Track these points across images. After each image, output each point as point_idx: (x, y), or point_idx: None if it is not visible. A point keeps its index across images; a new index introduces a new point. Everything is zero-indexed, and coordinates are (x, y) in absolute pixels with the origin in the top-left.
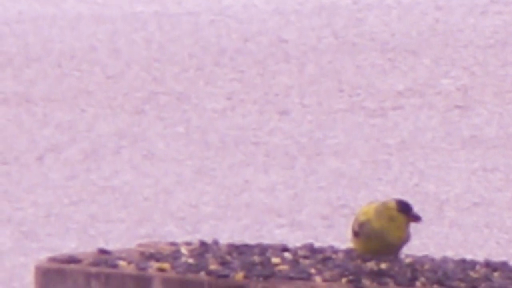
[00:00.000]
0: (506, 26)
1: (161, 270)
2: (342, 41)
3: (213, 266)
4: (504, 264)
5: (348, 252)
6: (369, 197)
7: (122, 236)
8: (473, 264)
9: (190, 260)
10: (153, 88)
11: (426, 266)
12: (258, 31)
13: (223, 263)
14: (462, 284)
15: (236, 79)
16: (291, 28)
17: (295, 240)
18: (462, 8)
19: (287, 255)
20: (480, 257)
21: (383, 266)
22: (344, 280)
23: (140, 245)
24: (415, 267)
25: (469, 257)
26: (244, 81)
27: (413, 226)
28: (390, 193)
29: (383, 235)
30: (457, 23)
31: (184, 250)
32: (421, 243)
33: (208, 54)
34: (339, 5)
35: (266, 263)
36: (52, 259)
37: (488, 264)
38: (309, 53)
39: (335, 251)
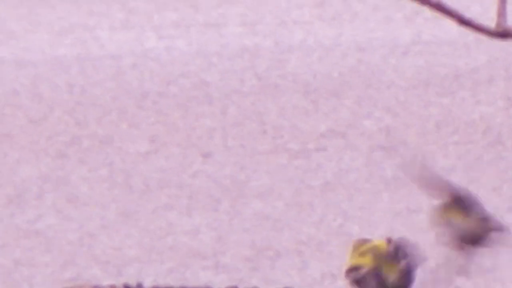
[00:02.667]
0: (428, 66)
1: None
2: (264, 83)
3: None
4: None
5: None
6: (294, 239)
7: (46, 280)
8: None
9: None
10: (76, 132)
11: None
12: (181, 74)
13: None
14: None
15: (159, 121)
16: (213, 70)
17: (220, 283)
18: (383, 48)
19: None
20: None
21: None
22: None
23: None
24: None
25: None
26: (167, 123)
27: None
28: (314, 235)
29: None
30: (378, 64)
31: None
32: None
33: (131, 97)
34: (261, 47)
35: None
36: None
37: None
38: (231, 95)
39: None
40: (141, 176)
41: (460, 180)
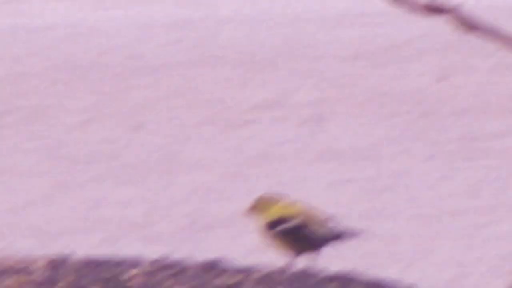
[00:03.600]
0: (360, 39)
1: (17, 283)
2: (197, 55)
3: (68, 279)
4: None
5: (204, 264)
6: (227, 210)
7: None
8: None
9: (46, 273)
10: (8, 103)
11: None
12: (114, 45)
13: (79, 276)
14: None
15: (91, 93)
16: (147, 42)
17: (152, 253)
18: (317, 20)
19: (141, 268)
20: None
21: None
22: None
23: None
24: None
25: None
26: (99, 95)
27: None
28: (245, 207)
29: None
30: (310, 37)
31: (40, 263)
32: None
33: (63, 68)
34: (193, 20)
35: (120, 276)
36: None
37: None
38: (164, 68)
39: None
40: (73, 147)
41: (392, 151)
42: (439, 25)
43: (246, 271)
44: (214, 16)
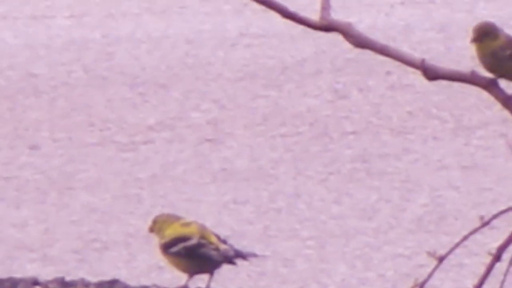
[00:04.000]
0: (256, 58)
1: None
2: (92, 75)
3: None
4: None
5: (100, 285)
6: (121, 231)
7: None
8: None
9: None
10: None
11: None
12: (8, 66)
13: None
14: None
15: None
16: (41, 62)
17: (47, 274)
18: (211, 41)
19: None
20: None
21: None
22: None
23: None
24: None
25: None
26: None
27: None
28: (142, 227)
29: None
30: (207, 56)
31: None
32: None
33: None
34: (89, 39)
35: None
36: None
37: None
38: (59, 88)
39: (87, 284)
40: None
41: (287, 171)
42: (333, 45)
43: None
44: (110, 36)
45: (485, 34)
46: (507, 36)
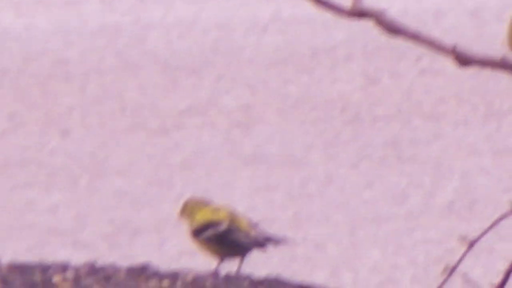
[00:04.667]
0: (287, 44)
1: None
2: (123, 60)
3: None
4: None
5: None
6: (153, 217)
7: None
8: None
9: None
10: None
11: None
12: (40, 51)
13: (5, 282)
14: None
15: (17, 99)
16: (72, 48)
17: (78, 260)
18: (243, 26)
19: (68, 274)
20: (261, 273)
21: (165, 284)
22: None
23: None
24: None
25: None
26: (25, 101)
27: None
28: (173, 212)
29: None
30: (238, 42)
31: None
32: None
33: None
34: (120, 25)
35: (47, 282)
36: None
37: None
38: (91, 73)
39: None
40: (0, 153)
41: (319, 157)
42: (365, 30)
43: (174, 276)
44: (141, 22)
45: None
46: None
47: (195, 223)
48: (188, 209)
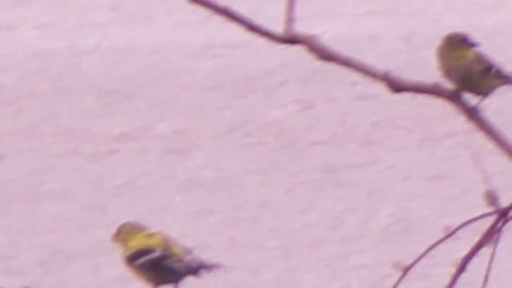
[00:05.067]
0: (221, 69)
1: None
2: (58, 86)
3: None
4: None
5: None
6: (87, 242)
7: None
8: None
9: None
10: None
11: None
12: None
13: None
14: None
15: None
16: (6, 73)
17: (13, 285)
18: (177, 51)
19: None
20: None
21: None
22: None
23: None
24: None
25: None
26: None
27: None
28: (107, 238)
29: None
30: (172, 67)
31: None
32: None
33: None
34: (55, 50)
35: None
36: None
37: None
38: (25, 98)
39: None
40: None
41: (253, 182)
42: (300, 56)
43: None
44: (77, 46)
45: (458, 44)
46: (477, 51)
47: (129, 249)
48: (122, 235)
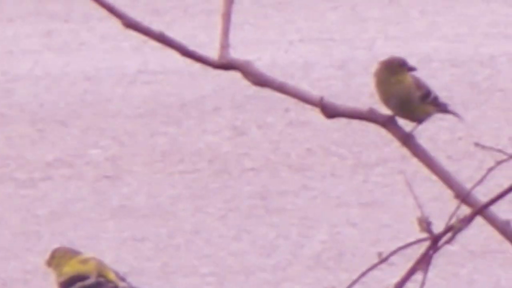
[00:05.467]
0: (154, 95)
1: None
2: None
3: None
4: None
5: None
6: (20, 269)
7: None
8: None
9: None
10: None
11: None
12: None
13: None
14: None
15: None
16: None
17: None
18: (110, 78)
19: None
20: None
21: None
22: None
23: None
24: None
25: None
26: None
27: None
28: (41, 264)
29: None
30: (105, 93)
31: None
32: None
33: None
34: None
35: None
36: None
37: None
38: None
39: None
40: None
41: (186, 208)
42: (233, 81)
43: None
44: (9, 74)
45: (398, 68)
46: (414, 76)
47: (63, 275)
48: (55, 260)
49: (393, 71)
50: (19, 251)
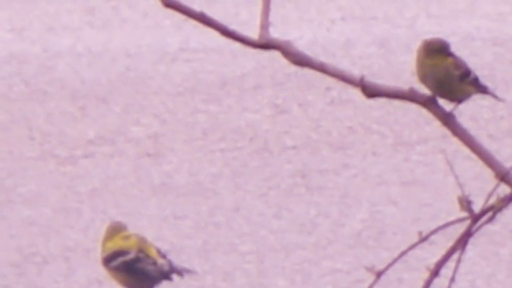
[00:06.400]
0: (195, 73)
1: None
2: (32, 89)
3: None
4: None
5: None
6: (61, 245)
7: None
8: None
9: None
10: None
11: None
12: None
13: None
14: None
15: None
16: None
17: None
18: (152, 55)
19: None
20: None
21: None
22: None
23: None
24: None
25: None
26: None
27: None
28: (81, 241)
29: None
30: (147, 71)
31: None
32: None
33: None
34: (29, 53)
35: None
36: None
37: None
38: None
39: None
40: None
41: (227, 186)
42: (274, 60)
43: None
44: (50, 50)
45: (436, 51)
46: (455, 57)
47: (106, 250)
48: (104, 235)
49: (430, 53)
50: (60, 228)
